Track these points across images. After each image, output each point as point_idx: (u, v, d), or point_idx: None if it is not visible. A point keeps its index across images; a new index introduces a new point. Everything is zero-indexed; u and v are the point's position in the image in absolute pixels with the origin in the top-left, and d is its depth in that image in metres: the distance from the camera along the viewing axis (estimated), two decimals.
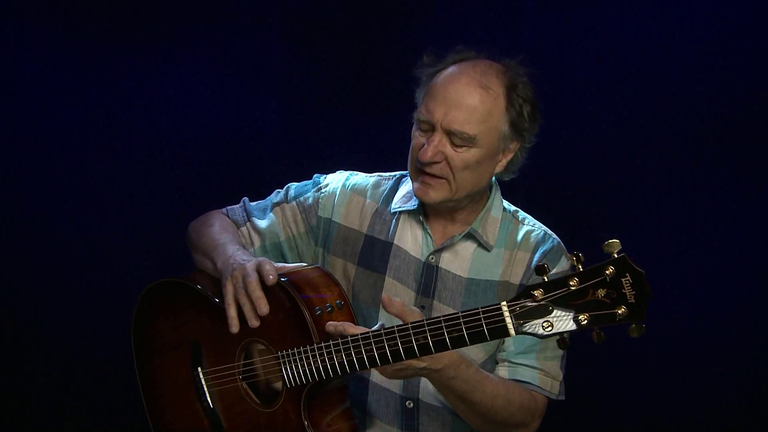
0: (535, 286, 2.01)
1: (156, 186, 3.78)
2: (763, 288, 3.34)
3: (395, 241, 2.58)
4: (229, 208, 2.74)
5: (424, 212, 2.58)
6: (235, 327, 2.35)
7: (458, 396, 2.33)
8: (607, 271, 1.95)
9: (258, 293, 2.32)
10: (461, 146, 2.41)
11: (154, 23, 3.73)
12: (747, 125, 3.37)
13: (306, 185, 2.71)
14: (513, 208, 2.65)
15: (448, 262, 2.55)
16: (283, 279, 2.36)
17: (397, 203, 2.61)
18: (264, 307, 2.31)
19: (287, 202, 2.68)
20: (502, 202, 2.64)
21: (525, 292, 2.02)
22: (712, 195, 3.40)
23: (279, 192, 2.73)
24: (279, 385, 2.42)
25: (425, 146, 2.43)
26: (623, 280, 1.94)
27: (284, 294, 2.34)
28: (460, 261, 2.56)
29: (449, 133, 2.41)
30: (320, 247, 2.65)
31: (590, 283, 1.96)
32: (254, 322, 2.33)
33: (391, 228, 2.59)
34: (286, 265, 2.45)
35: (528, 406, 2.45)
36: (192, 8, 3.73)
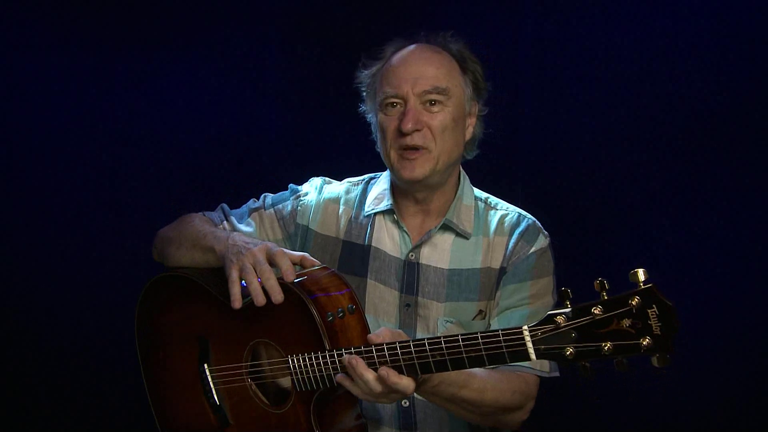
0: (558, 313, 1.95)
1: (156, 186, 3.72)
2: (764, 288, 3.34)
3: (373, 243, 2.57)
4: (206, 212, 2.68)
5: (398, 211, 2.57)
6: (237, 302, 2.26)
7: (447, 398, 2.30)
8: (632, 302, 1.89)
9: (272, 281, 2.23)
10: (436, 104, 2.44)
11: (153, 23, 3.67)
12: (747, 125, 3.34)
13: (283, 194, 2.69)
14: (484, 195, 2.66)
15: (428, 256, 2.55)
16: (293, 282, 2.28)
17: (369, 206, 2.61)
18: (279, 296, 2.22)
19: (264, 209, 2.65)
20: (473, 189, 2.64)
21: (548, 318, 1.96)
22: (712, 194, 3.38)
23: (255, 201, 2.69)
24: (287, 385, 2.38)
25: (405, 116, 2.44)
26: (649, 311, 1.88)
27: (295, 297, 2.25)
28: (440, 253, 2.55)
29: (423, 96, 2.44)
30: None
31: (615, 312, 1.90)
32: (261, 300, 2.23)
33: (368, 231, 2.59)
34: (293, 253, 2.33)
35: (520, 390, 2.43)
36: (191, 8, 3.66)
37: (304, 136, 3.72)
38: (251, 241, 2.38)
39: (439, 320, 2.52)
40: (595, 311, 1.93)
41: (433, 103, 2.45)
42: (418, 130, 2.43)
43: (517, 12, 3.52)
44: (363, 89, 2.60)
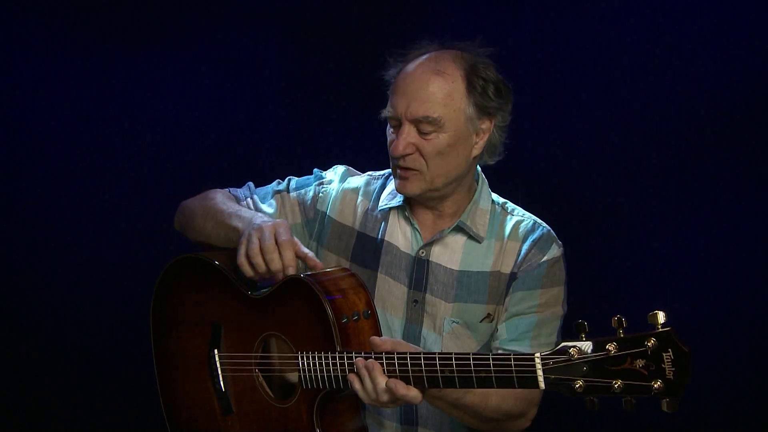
0: (572, 345, 1.94)
1: (155, 186, 3.71)
2: (764, 288, 3.33)
3: (386, 238, 2.57)
4: (231, 188, 2.71)
5: (410, 208, 2.57)
6: (245, 267, 2.34)
7: (450, 403, 2.30)
8: (648, 343, 1.87)
9: (273, 258, 2.30)
10: (429, 133, 2.42)
11: (153, 23, 3.65)
12: (747, 125, 3.31)
13: (307, 179, 2.68)
14: (502, 200, 2.64)
15: (438, 255, 2.54)
16: (311, 280, 2.29)
17: (384, 201, 2.61)
18: (291, 271, 2.30)
19: (288, 192, 2.65)
20: (491, 194, 2.62)
21: (561, 348, 1.95)
22: (712, 194, 3.36)
23: (280, 182, 2.70)
24: (293, 380, 2.38)
25: (396, 140, 2.43)
26: (665, 354, 1.86)
27: (312, 296, 2.26)
28: (451, 254, 2.54)
29: (416, 122, 2.42)
30: (314, 241, 2.62)
31: (629, 351, 1.89)
32: (248, 272, 2.33)
33: (382, 225, 2.58)
34: (302, 248, 2.37)
35: (523, 397, 2.42)
36: (191, 8, 3.64)
37: (305, 136, 3.70)
38: (270, 220, 2.42)
39: (446, 320, 2.52)
40: (610, 348, 1.91)
41: (425, 129, 2.43)
42: (409, 154, 2.44)
43: (517, 12, 3.49)
44: (391, 81, 2.56)
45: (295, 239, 2.37)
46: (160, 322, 2.60)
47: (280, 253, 2.30)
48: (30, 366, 3.78)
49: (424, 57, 2.48)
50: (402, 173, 2.47)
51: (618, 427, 3.35)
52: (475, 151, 2.51)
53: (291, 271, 2.31)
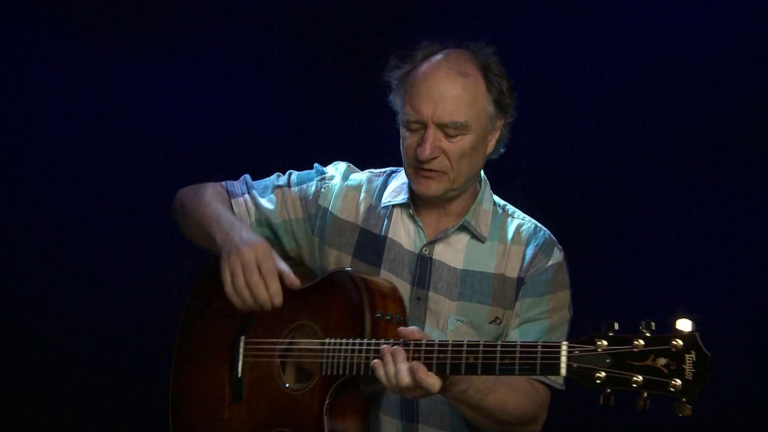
0: (600, 336, 2.01)
1: (155, 186, 3.71)
2: (764, 288, 3.35)
3: (389, 235, 2.58)
4: (227, 181, 2.70)
5: (414, 205, 2.59)
6: (235, 298, 2.32)
7: (471, 405, 2.32)
8: (674, 342, 1.95)
9: (259, 289, 2.29)
10: (455, 136, 2.43)
11: (153, 24, 3.68)
12: (747, 125, 3.36)
13: (309, 174, 2.69)
14: (502, 202, 2.68)
15: (441, 253, 2.56)
16: (357, 275, 2.36)
17: (387, 198, 2.62)
18: (277, 301, 2.29)
19: (289, 187, 2.66)
20: (492, 195, 2.67)
21: (589, 338, 2.02)
22: (712, 195, 3.40)
23: (281, 176, 2.70)
24: (315, 371, 2.38)
25: (422, 144, 2.44)
26: (687, 356, 1.94)
27: (353, 288, 2.31)
28: (454, 252, 2.57)
29: (442, 126, 2.42)
30: (316, 237, 2.62)
31: (654, 348, 1.96)
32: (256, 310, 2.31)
33: (384, 222, 2.60)
34: (282, 266, 2.36)
35: (536, 401, 2.45)
36: (192, 9, 3.66)
37: (305, 137, 3.72)
38: (248, 238, 2.39)
39: (450, 317, 2.53)
40: (636, 343, 1.98)
41: (451, 133, 2.46)
42: (435, 158, 2.45)
43: (517, 12, 3.53)
44: (393, 82, 2.56)
45: (276, 257, 2.35)
46: (192, 312, 2.61)
47: (266, 284, 2.30)
48: (27, 366, 3.74)
49: (439, 57, 2.49)
50: (426, 174, 2.47)
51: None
52: (489, 149, 2.56)
53: (277, 301, 2.30)
